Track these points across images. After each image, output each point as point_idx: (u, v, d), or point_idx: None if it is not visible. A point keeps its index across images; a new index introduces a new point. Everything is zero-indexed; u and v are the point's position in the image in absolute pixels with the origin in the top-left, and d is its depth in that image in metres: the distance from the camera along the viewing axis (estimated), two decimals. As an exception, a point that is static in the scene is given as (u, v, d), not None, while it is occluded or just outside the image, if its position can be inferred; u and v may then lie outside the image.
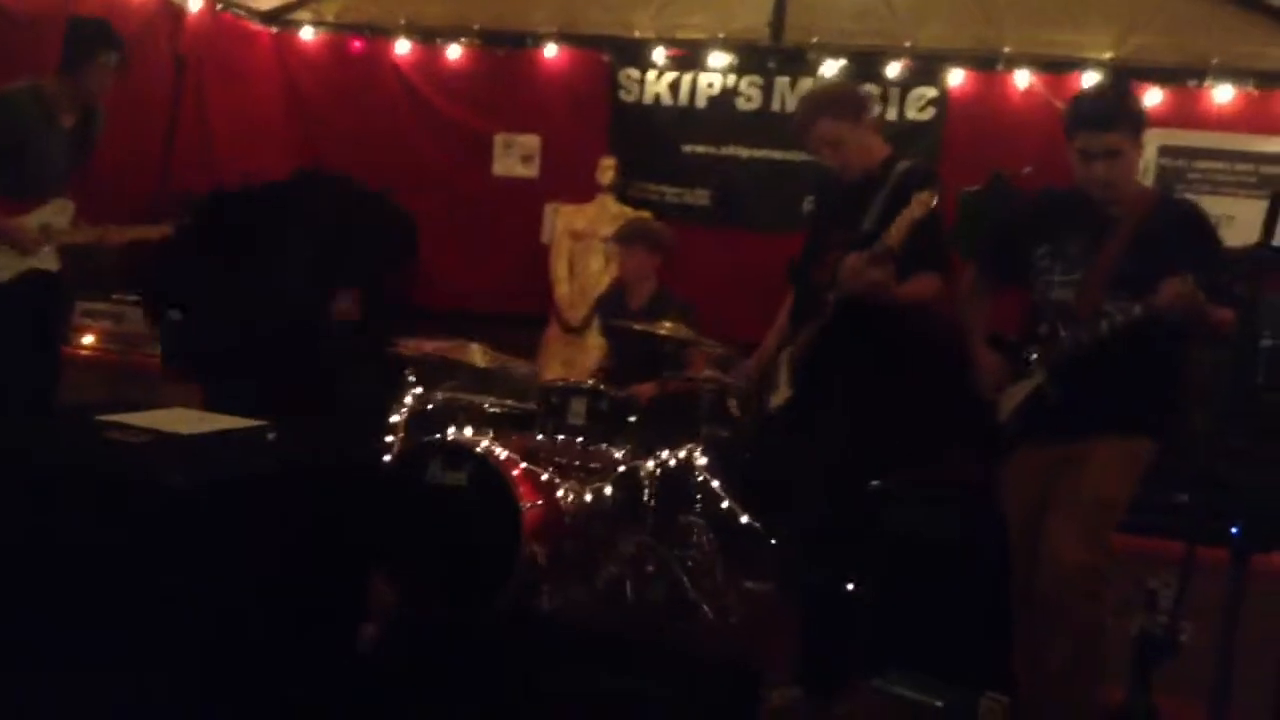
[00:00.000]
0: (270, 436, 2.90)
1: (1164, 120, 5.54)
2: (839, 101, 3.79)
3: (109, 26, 4.49)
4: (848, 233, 3.69)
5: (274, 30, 6.90)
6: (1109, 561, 3.11)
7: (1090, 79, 5.64)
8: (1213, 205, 4.64)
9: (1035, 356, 3.30)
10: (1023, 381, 3.33)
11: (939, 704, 3.55)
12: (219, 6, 6.56)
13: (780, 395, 3.85)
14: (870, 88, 5.84)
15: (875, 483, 3.97)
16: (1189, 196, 3.37)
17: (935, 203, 3.45)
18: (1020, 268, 3.41)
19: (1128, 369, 3.15)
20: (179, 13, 6.37)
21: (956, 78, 5.88)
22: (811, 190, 5.66)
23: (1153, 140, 5.65)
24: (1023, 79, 5.79)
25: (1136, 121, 3.27)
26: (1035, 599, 3.20)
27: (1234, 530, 2.88)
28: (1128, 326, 3.10)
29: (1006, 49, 5.76)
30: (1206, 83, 5.48)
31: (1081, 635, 3.10)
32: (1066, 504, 3.14)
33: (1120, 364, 3.14)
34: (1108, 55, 5.62)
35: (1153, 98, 5.58)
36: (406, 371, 4.79)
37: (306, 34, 6.87)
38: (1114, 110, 3.26)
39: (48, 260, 4.42)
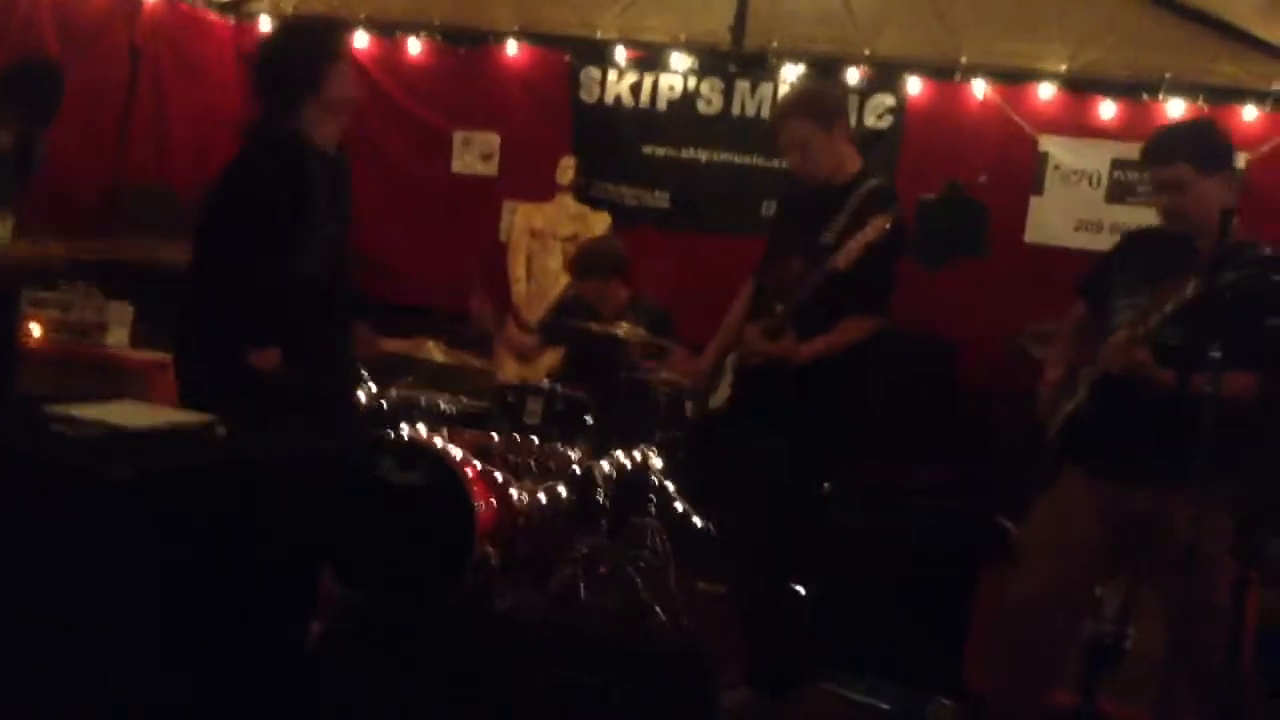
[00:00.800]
0: (220, 430, 2.87)
1: (1117, 133, 5.63)
2: (811, 105, 3.74)
3: (46, 84, 4.42)
4: (807, 240, 3.70)
5: (232, 21, 6.82)
6: None
7: (1046, 90, 5.72)
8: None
9: (1083, 374, 3.23)
10: (1070, 399, 3.26)
11: (887, 707, 3.58)
12: (176, -4, 6.49)
13: (720, 396, 3.84)
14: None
15: (826, 485, 4.00)
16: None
17: (889, 226, 3.47)
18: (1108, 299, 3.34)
19: (1155, 400, 2.97)
20: (136, 3, 6.29)
21: (915, 86, 5.93)
22: (771, 193, 5.69)
23: (1106, 153, 5.74)
24: (980, 89, 5.85)
25: (1205, 153, 3.17)
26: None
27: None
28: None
29: (964, 59, 5.82)
30: (1159, 97, 5.56)
31: None
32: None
33: (1144, 395, 3.01)
34: (1063, 67, 5.69)
35: (1106, 111, 5.66)
36: (360, 368, 4.74)
37: (265, 25, 6.80)
38: (1174, 142, 3.23)
39: None
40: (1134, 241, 3.51)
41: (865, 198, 3.68)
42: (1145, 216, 4.50)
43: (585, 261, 5.21)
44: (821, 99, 3.81)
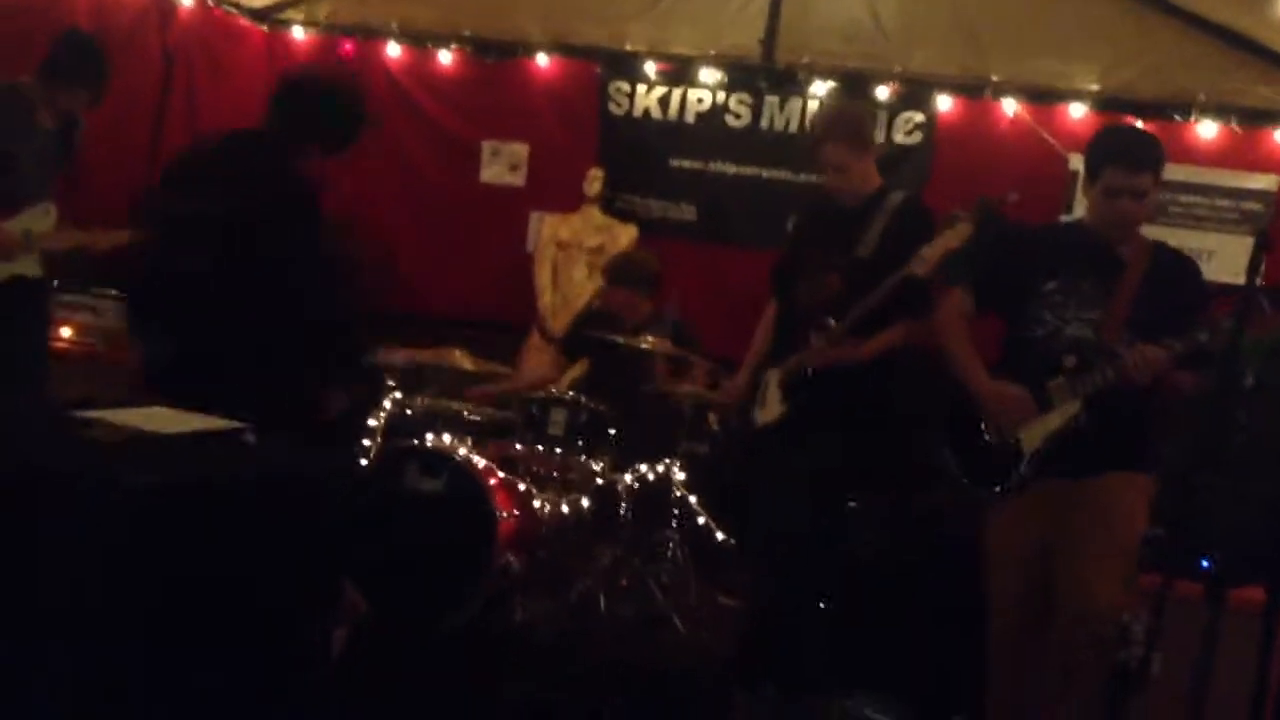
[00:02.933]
0: (248, 438, 2.88)
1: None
2: (849, 129, 3.86)
3: (97, 58, 4.39)
4: (843, 257, 3.75)
5: (265, 29, 6.87)
6: (1138, 601, 3.09)
7: (1077, 110, 5.69)
8: (1194, 240, 4.69)
9: (1062, 387, 3.21)
10: (1051, 413, 3.22)
11: (904, 727, 3.56)
12: (211, 3, 6.54)
13: (770, 412, 3.87)
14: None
15: (852, 503, 3.99)
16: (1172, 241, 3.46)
17: (973, 233, 3.50)
18: (1017, 298, 3.35)
19: (1136, 404, 3.18)
20: (170, 8, 6.34)
21: (945, 103, 5.92)
22: (798, 208, 5.69)
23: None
24: (1009, 107, 5.83)
25: (1162, 166, 3.28)
26: (1060, 644, 3.15)
27: (1205, 564, 2.90)
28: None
29: (994, 77, 5.80)
30: (1191, 118, 5.53)
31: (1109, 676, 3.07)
32: (1101, 552, 3.08)
33: (1132, 399, 3.15)
34: (1094, 87, 5.67)
35: (1138, 131, 5.63)
36: (386, 377, 4.77)
37: (298, 33, 6.85)
38: (1152, 152, 3.26)
39: (30, 266, 4.37)
40: (1046, 242, 3.50)
41: (898, 209, 3.79)
42: (1176, 236, 4.48)
43: (619, 269, 5.22)
44: (857, 122, 3.94)
